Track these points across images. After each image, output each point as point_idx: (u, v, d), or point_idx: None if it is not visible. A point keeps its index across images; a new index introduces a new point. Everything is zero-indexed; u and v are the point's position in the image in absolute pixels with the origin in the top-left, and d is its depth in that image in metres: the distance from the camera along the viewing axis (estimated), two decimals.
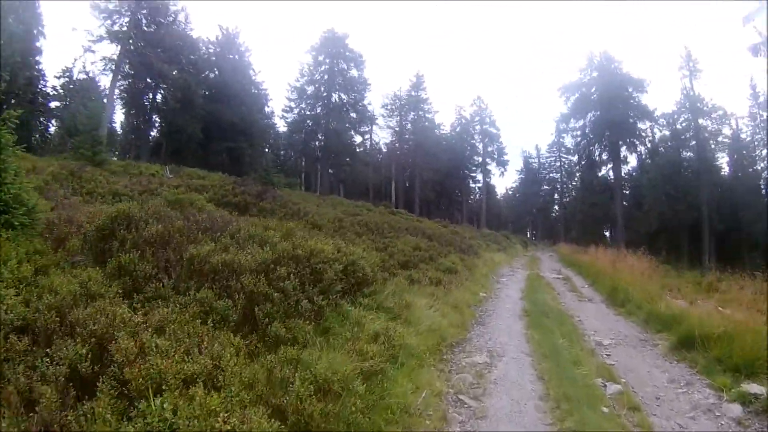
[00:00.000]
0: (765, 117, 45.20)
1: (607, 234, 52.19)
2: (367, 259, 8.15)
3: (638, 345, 9.04)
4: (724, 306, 13.40)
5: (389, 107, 67.04)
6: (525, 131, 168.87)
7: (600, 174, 39.84)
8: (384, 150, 71.37)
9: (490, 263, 19.95)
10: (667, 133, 44.20)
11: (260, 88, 52.06)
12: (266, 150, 60.25)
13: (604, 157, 39.17)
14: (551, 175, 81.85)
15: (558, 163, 79.95)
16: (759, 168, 47.83)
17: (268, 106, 55.31)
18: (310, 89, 52.00)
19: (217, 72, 47.02)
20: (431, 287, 9.86)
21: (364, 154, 69.01)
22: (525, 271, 21.44)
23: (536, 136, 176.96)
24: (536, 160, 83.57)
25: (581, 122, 40.58)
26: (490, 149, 68.57)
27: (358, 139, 58.11)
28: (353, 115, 52.64)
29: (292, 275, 6.00)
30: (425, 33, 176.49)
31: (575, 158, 41.94)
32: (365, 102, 53.91)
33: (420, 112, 65.89)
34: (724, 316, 9.35)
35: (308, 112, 52.01)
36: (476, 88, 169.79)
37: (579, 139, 40.59)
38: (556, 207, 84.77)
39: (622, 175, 39.40)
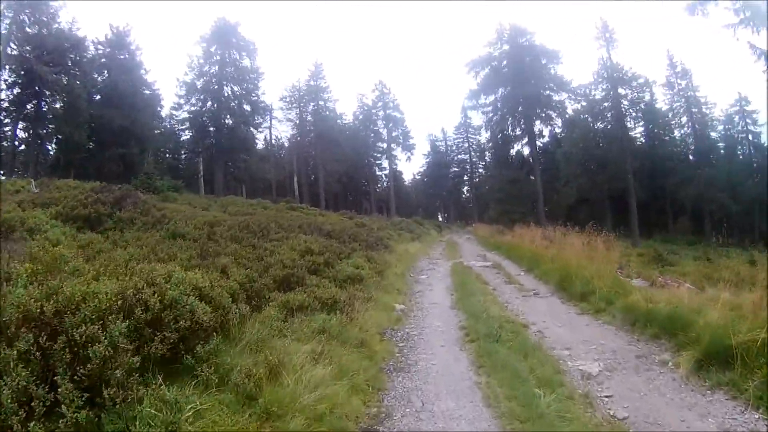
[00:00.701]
0: (683, 85, 46.20)
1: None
2: (210, 290, 4.46)
3: (640, 367, 6.03)
4: (701, 285, 11.02)
5: (288, 99, 62.68)
6: (431, 115, 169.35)
7: (515, 149, 38.29)
8: (287, 145, 66.79)
9: (405, 257, 16.70)
10: (583, 104, 43.96)
11: (153, 89, 46.37)
12: (166, 154, 55.28)
13: (518, 132, 37.43)
14: (460, 156, 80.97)
15: (466, 144, 79.15)
16: (676, 135, 48.91)
17: (161, 107, 49.24)
18: (200, 83, 46.36)
19: (107, 74, 41.67)
20: (322, 315, 6.21)
21: (264, 151, 64.33)
22: (446, 261, 18.43)
23: (443, 119, 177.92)
24: (443, 143, 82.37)
25: (492, 98, 38.40)
26: (395, 134, 65.91)
27: (256, 134, 53.08)
28: (247, 107, 47.57)
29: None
30: (323, 23, 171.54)
31: (487, 135, 39.64)
32: (259, 92, 48.94)
33: (320, 102, 61.95)
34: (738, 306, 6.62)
35: (199, 108, 46.28)
36: (379, 74, 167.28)
37: (491, 115, 38.33)
38: (467, 188, 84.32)
39: (537, 150, 38.03)
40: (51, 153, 40.74)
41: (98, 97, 40.84)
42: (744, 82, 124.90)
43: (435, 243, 29.69)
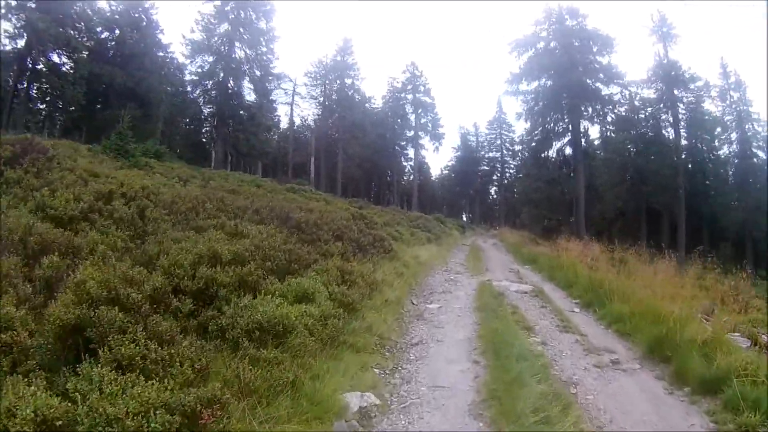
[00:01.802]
0: (735, 98, 40.26)
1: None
2: None
3: None
4: None
5: (313, 75, 58.20)
6: (464, 109, 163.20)
7: (556, 146, 33.11)
8: (313, 126, 62.33)
9: (412, 268, 12.01)
10: (636, 103, 38.52)
11: (167, 51, 42.99)
12: (185, 123, 50.83)
13: (561, 127, 32.08)
14: (490, 154, 75.62)
15: (498, 141, 73.76)
16: (722, 153, 42.92)
17: (181, 73, 45.56)
18: (208, 41, 41.91)
19: (117, 31, 38.30)
20: None
21: (285, 129, 60.34)
22: (469, 277, 13.57)
23: (476, 114, 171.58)
24: (474, 138, 77.02)
25: (535, 84, 32.86)
26: (423, 121, 60.63)
27: (266, 105, 48.51)
28: (257, 72, 43.02)
29: None
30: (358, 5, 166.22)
31: (526, 127, 33.91)
32: (273, 57, 44.30)
33: (346, 80, 57.36)
34: None
35: (203, 70, 42.07)
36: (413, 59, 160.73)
37: (531, 104, 32.88)
38: (495, 189, 78.94)
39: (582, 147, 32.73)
40: (42, 110, 37.49)
41: (100, 53, 37.31)
42: None
43: (456, 247, 24.93)
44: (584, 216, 28.18)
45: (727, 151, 42.20)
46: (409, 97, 60.14)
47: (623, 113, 34.20)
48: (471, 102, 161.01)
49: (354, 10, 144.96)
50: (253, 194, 16.47)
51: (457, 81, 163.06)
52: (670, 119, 36.92)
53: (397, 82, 61.97)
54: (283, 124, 63.73)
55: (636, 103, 37.27)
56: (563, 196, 28.83)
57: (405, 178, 73.23)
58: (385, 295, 7.81)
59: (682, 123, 37.43)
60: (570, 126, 30.40)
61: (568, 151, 32.02)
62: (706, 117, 39.62)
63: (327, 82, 57.96)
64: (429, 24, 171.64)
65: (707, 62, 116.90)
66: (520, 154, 66.33)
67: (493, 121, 74.17)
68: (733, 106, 40.84)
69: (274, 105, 61.81)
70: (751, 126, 41.02)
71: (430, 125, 60.41)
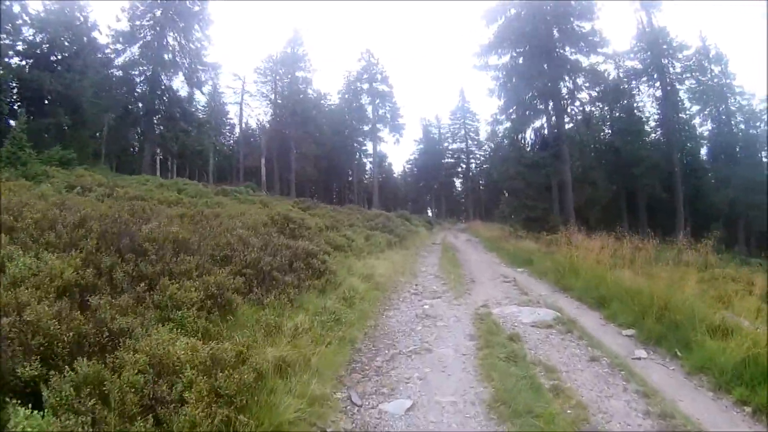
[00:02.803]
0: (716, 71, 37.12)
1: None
2: None
3: None
4: None
5: (262, 71, 52.98)
6: (426, 101, 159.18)
7: (535, 126, 28.49)
8: (265, 126, 57.81)
9: (359, 299, 7.27)
10: (621, 74, 35.20)
11: (105, 51, 36.83)
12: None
13: (540, 104, 27.54)
14: (454, 145, 71.72)
15: (462, 131, 70.00)
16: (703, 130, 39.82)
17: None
18: (135, 29, 36.24)
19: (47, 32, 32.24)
20: None
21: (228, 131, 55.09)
22: (452, 302, 8.93)
23: (438, 107, 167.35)
24: (437, 130, 72.99)
25: (507, 57, 28.19)
26: (381, 112, 56.07)
27: (198, 97, 43.21)
28: (186, 61, 37.57)
29: None
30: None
31: (500, 104, 28.70)
32: (206, 43, 38.92)
33: (297, 73, 52.46)
34: None
35: (130, 60, 36.46)
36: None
37: (504, 79, 28.14)
38: (460, 181, 75.24)
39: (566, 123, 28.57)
40: None
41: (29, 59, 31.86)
42: None
43: (425, 248, 20.50)
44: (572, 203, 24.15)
45: (710, 127, 39.29)
46: (365, 86, 55.41)
47: (609, 86, 30.04)
48: (433, 94, 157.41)
49: (309, 6, 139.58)
50: (142, 204, 11.68)
51: (418, 74, 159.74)
52: (656, 93, 33.56)
53: (353, 75, 57.23)
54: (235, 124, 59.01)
55: (620, 74, 33.85)
56: (547, 180, 24.63)
57: (367, 176, 68.64)
58: (282, 406, 3.22)
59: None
60: (550, 102, 26.13)
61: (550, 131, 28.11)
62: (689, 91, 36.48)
63: (277, 77, 52.86)
64: (386, 18, 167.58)
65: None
66: (489, 140, 62.72)
67: (456, 111, 70.37)
68: (715, 80, 37.70)
69: (224, 106, 58.56)
70: (735, 100, 38.09)
71: (389, 116, 55.84)
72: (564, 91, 26.52)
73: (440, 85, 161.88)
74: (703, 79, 36.91)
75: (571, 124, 28.15)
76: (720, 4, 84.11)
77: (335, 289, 7.00)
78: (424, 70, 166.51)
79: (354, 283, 7.71)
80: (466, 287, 10.59)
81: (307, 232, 9.20)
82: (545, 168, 23.84)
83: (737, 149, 36.43)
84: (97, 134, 36.93)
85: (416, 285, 10.61)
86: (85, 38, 33.77)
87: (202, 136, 40.75)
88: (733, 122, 37.44)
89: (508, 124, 26.86)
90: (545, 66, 26.31)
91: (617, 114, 35.72)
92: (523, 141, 26.53)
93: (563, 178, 24.36)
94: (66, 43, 32.64)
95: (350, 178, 63.80)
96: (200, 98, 44.72)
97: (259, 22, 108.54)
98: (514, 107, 26.43)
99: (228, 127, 62.37)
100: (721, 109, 37.90)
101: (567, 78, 26.45)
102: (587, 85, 25.80)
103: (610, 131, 37.59)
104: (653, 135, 37.71)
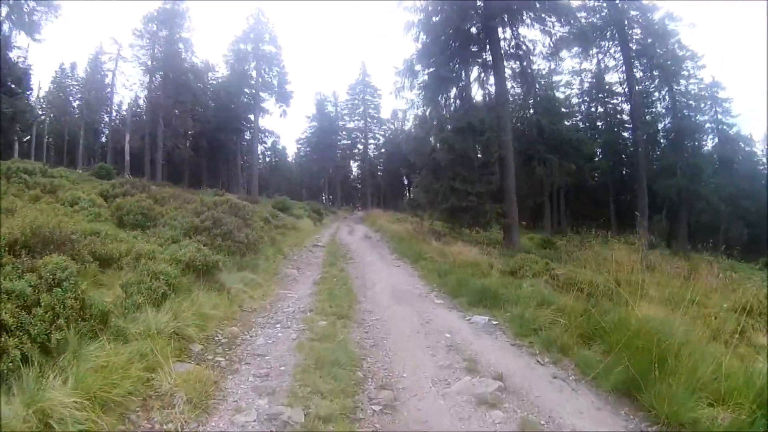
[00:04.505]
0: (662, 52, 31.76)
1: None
2: None
3: None
4: None
5: (140, 32, 41.40)
6: (322, 80, 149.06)
7: (469, 78, 20.45)
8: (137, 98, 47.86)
9: None
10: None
11: None
12: None
13: (474, 48, 19.36)
14: (352, 123, 63.84)
15: (362, 108, 62.19)
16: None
17: None
18: None
19: None
20: None
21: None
22: None
23: (335, 85, 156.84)
24: (333, 106, 64.53)
25: None
26: (267, 78, 46.42)
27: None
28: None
29: None
30: None
31: (418, 47, 19.56)
32: None
33: (175, 30, 42.01)
34: None
35: None
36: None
37: (429, 11, 18.78)
38: (358, 164, 67.91)
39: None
40: None
41: None
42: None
43: (295, 259, 12.53)
44: (512, 188, 17.16)
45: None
46: (250, 48, 45.41)
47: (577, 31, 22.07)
48: (330, 72, 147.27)
49: None
50: None
51: (314, 50, 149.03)
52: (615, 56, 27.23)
53: (238, 36, 46.86)
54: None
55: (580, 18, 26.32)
56: (486, 152, 17.27)
57: (259, 159, 58.77)
58: None
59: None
60: (487, 45, 18.62)
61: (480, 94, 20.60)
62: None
63: (156, 41, 41.68)
64: None
65: None
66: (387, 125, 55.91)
67: (356, 85, 62.57)
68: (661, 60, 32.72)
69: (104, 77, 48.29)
70: (684, 82, 33.59)
71: (275, 82, 46.24)
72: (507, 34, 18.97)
73: (339, 62, 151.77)
74: (660, 51, 31.19)
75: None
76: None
77: None
78: (322, 47, 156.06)
79: None
80: None
81: None
82: (484, 133, 16.44)
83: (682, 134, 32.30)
84: None
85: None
86: None
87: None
88: (678, 105, 33.11)
89: (425, 77, 18.96)
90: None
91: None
92: (446, 101, 18.91)
93: (502, 153, 17.26)
94: None
95: (243, 162, 53.69)
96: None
97: None
98: (438, 49, 18.41)
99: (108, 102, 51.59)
100: (666, 90, 33.33)
101: (512, 11, 18.54)
102: (552, 21, 18.19)
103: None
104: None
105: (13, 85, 28.48)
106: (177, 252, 6.43)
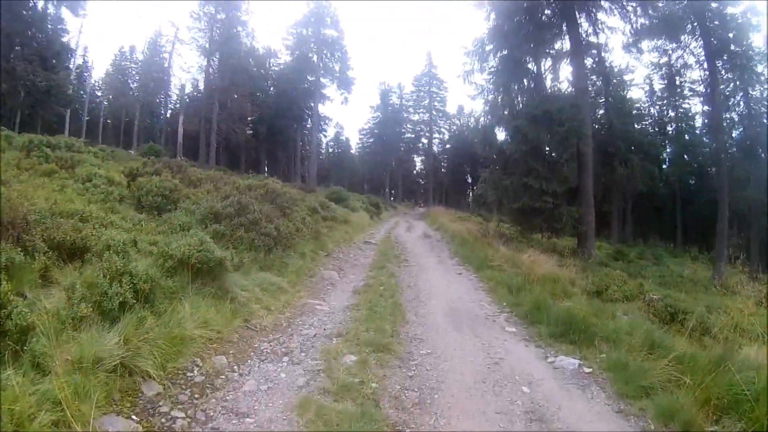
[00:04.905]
0: None
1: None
2: None
3: None
4: None
5: (198, 15, 41.40)
6: (386, 70, 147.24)
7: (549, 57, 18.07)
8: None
9: None
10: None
11: None
12: None
13: (554, 30, 17.21)
14: (417, 116, 61.78)
15: (427, 100, 60.06)
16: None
17: None
18: None
19: None
20: None
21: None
22: None
23: (399, 77, 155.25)
24: (398, 98, 62.74)
25: None
26: (328, 63, 45.10)
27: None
28: None
29: None
30: None
31: (489, 25, 17.68)
32: None
33: (232, 13, 41.53)
34: None
35: None
36: None
37: None
38: (421, 159, 65.81)
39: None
40: None
41: None
42: None
43: (340, 256, 10.99)
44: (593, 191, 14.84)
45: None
46: (311, 32, 44.29)
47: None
48: (395, 63, 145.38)
49: None
50: None
51: (380, 39, 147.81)
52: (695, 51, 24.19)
53: (299, 20, 45.89)
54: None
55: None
56: (562, 147, 14.72)
57: (323, 150, 57.93)
58: None
59: None
60: (564, 29, 16.00)
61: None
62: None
63: (215, 24, 41.50)
64: None
65: None
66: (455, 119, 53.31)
67: (422, 77, 60.39)
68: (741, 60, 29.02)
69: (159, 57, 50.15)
70: (760, 88, 29.67)
71: (336, 67, 44.90)
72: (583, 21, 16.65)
73: (403, 52, 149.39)
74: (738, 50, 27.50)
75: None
76: None
77: None
78: (386, 35, 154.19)
79: None
80: None
81: None
82: (563, 124, 14.05)
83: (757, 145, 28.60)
84: None
85: None
86: None
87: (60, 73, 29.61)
88: (753, 112, 29.23)
89: (496, 61, 16.81)
90: None
91: None
92: (519, 86, 16.56)
93: (581, 149, 14.94)
94: None
95: (302, 151, 52.97)
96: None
97: None
98: (511, 32, 16.22)
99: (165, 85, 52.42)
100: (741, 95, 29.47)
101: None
102: (633, 5, 15.75)
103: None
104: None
105: (53, 60, 28.69)
106: (170, 245, 4.93)
